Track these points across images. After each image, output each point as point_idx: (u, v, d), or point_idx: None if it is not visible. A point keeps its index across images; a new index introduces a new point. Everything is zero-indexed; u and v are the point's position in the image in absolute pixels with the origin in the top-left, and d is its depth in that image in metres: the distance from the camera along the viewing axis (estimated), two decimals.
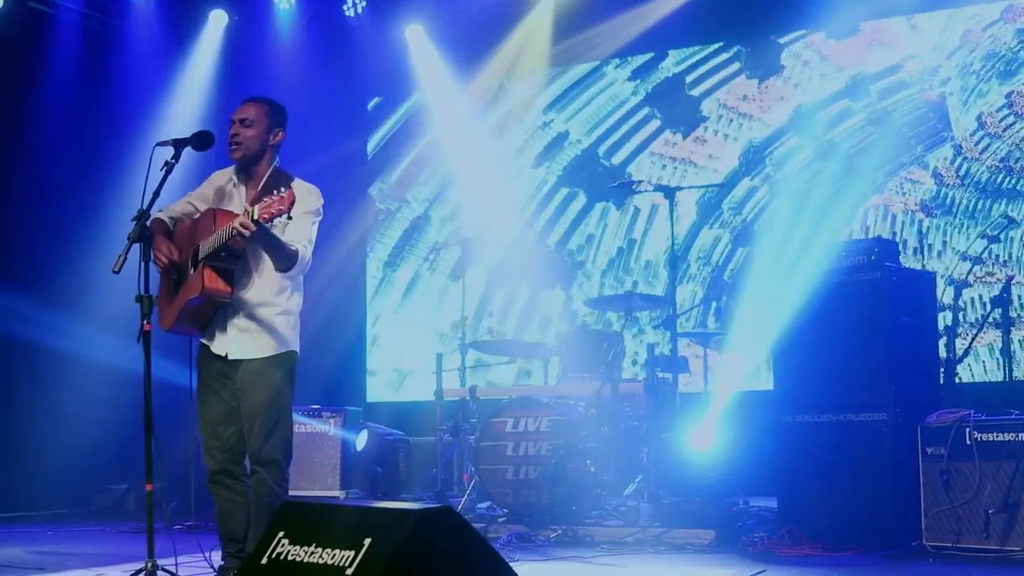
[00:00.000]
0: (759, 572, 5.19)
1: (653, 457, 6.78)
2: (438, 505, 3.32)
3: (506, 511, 6.86)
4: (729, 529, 6.30)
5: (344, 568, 3.00)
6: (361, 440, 8.11)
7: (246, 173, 4.74)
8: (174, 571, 4.46)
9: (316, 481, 7.75)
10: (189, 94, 9.69)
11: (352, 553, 3.02)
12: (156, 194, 4.48)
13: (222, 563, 4.72)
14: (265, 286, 4.63)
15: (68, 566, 5.78)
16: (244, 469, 4.68)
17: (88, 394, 8.79)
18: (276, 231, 4.48)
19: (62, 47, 9.33)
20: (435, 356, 7.66)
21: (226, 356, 4.64)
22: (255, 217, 4.20)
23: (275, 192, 4.19)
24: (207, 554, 4.92)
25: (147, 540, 4.36)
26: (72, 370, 8.81)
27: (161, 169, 4.46)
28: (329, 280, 9.36)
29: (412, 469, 8.34)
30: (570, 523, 6.52)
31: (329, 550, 3.08)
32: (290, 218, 4.25)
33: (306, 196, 4.53)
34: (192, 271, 4.59)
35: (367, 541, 3.00)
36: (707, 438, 6.97)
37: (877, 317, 5.97)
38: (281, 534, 3.27)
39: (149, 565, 4.34)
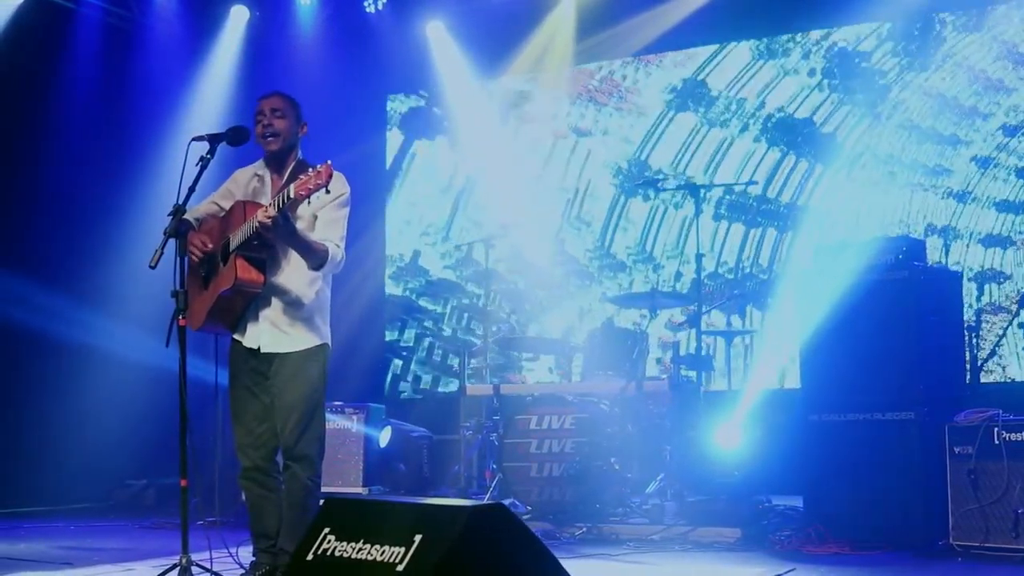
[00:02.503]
0: (789, 571, 5.18)
1: (677, 455, 6.77)
2: (491, 502, 3.31)
3: (530, 508, 6.84)
4: (755, 527, 6.29)
5: (395, 564, 2.98)
6: (384, 437, 8.09)
7: (276, 165, 4.70)
8: (209, 567, 4.46)
9: (339, 478, 7.70)
10: (211, 90, 9.70)
11: (403, 550, 3.00)
12: (192, 189, 4.48)
13: (254, 559, 4.72)
14: (296, 277, 4.60)
15: (96, 561, 5.77)
16: (276, 465, 4.67)
17: (110, 389, 8.80)
18: (304, 227, 4.47)
19: (84, 43, 9.33)
20: (459, 353, 7.65)
21: (258, 349, 4.61)
22: (291, 195, 4.18)
23: (310, 169, 4.17)
24: (234, 551, 4.92)
25: (181, 536, 4.35)
26: (94, 365, 8.82)
27: (197, 164, 4.46)
28: (351, 277, 9.36)
29: (435, 466, 8.33)
30: (595, 521, 6.52)
31: (378, 546, 3.06)
32: (328, 191, 4.21)
33: (333, 183, 4.30)
34: (223, 265, 4.58)
35: (418, 538, 2.99)
36: (733, 436, 6.97)
37: (905, 316, 5.95)
38: (327, 530, 3.26)
39: (184, 561, 4.33)
